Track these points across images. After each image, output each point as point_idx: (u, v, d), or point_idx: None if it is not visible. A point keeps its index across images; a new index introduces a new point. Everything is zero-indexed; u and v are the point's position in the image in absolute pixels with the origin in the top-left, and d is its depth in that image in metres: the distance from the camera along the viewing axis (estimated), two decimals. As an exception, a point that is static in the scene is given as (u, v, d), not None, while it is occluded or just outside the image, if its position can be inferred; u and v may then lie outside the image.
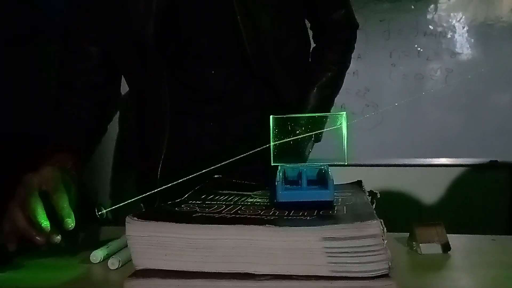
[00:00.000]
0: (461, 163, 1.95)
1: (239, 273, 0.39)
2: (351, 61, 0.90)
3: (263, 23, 0.73)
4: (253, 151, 0.48)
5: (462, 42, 1.97)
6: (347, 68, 0.89)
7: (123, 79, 0.82)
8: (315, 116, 0.51)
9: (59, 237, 0.49)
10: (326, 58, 0.85)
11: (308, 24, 0.88)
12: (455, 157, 1.95)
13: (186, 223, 0.40)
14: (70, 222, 0.50)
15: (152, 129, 0.78)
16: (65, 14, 0.78)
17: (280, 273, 0.38)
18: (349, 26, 0.86)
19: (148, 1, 0.69)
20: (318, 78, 0.83)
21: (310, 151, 0.79)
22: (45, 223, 0.49)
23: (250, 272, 0.39)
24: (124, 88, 0.84)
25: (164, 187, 0.48)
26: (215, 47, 0.75)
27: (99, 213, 0.49)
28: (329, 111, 0.85)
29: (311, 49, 0.88)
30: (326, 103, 0.85)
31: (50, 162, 0.59)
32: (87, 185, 0.61)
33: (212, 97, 0.78)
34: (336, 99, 0.89)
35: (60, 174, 0.55)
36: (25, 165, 0.56)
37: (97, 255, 0.50)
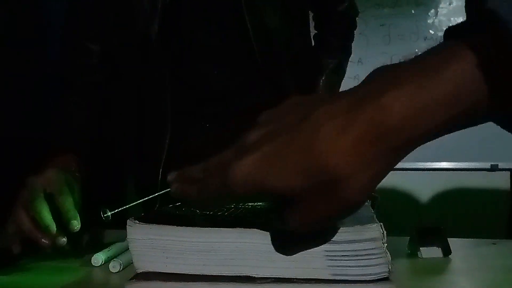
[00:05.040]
0: (462, 167, 1.95)
1: (240, 276, 0.39)
2: (352, 65, 0.94)
3: (270, 22, 0.73)
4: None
5: (463, 46, 1.97)
6: (350, 55, 0.93)
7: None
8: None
9: (64, 239, 0.49)
10: (332, 43, 0.89)
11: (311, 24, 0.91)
12: (456, 161, 1.95)
13: (187, 226, 0.40)
14: (76, 224, 0.50)
15: (153, 130, 0.78)
16: (66, 10, 0.78)
17: (280, 276, 0.39)
18: (351, 15, 0.91)
19: None
20: (326, 65, 0.87)
21: None
22: (51, 225, 0.49)
23: (250, 275, 0.39)
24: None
25: (165, 191, 0.48)
26: (219, 46, 0.75)
27: (104, 215, 0.50)
28: None
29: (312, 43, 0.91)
30: (333, 91, 0.88)
31: (54, 164, 0.60)
32: (90, 187, 0.61)
33: (214, 97, 0.77)
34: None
35: (64, 176, 0.55)
36: (29, 167, 0.57)
37: (98, 258, 0.50)
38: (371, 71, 0.32)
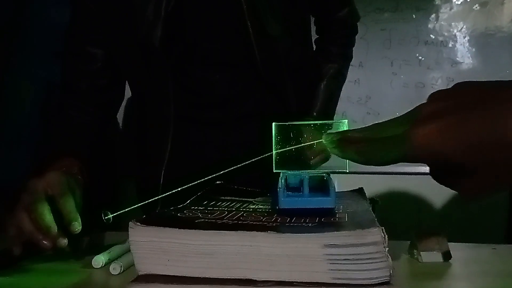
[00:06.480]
0: (462, 172, 1.95)
1: (241, 279, 0.39)
2: (353, 69, 0.95)
3: (272, 29, 0.74)
4: (255, 158, 0.49)
5: (463, 51, 1.97)
6: (351, 60, 0.93)
7: (126, 83, 0.83)
8: (317, 123, 0.51)
9: (65, 241, 0.49)
10: (332, 51, 0.89)
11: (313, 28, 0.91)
12: (456, 166, 1.95)
13: (189, 228, 0.40)
14: (77, 226, 0.50)
15: (155, 134, 0.78)
16: (70, 15, 0.78)
17: (282, 280, 0.39)
18: (352, 22, 0.91)
19: (157, 5, 0.69)
20: (326, 71, 0.87)
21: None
22: (52, 227, 0.49)
23: (251, 278, 0.39)
24: (127, 92, 0.84)
25: (166, 194, 0.48)
26: (221, 52, 0.75)
27: (106, 218, 0.50)
28: (335, 105, 0.90)
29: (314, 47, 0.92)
30: (333, 96, 0.88)
31: (55, 166, 0.60)
32: (91, 190, 0.61)
33: (216, 102, 0.78)
34: (337, 106, 0.90)
35: (65, 179, 0.56)
36: (31, 170, 0.57)
37: (99, 260, 0.51)
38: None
